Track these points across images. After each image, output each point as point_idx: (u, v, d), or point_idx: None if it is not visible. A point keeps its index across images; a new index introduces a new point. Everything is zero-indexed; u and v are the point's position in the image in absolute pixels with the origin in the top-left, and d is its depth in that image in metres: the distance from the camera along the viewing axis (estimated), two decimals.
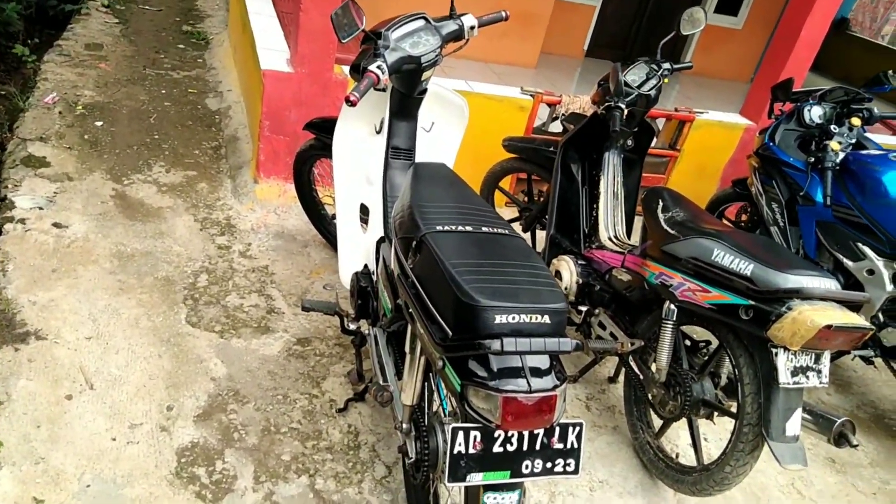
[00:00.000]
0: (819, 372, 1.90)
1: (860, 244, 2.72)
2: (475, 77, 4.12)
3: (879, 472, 2.67)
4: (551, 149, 2.87)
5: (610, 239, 2.69)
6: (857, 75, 7.17)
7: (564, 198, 2.76)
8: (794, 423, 1.90)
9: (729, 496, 2.33)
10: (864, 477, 2.62)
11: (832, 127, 2.91)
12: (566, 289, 2.60)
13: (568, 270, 2.61)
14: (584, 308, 2.60)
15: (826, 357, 1.91)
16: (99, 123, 3.88)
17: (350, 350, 2.56)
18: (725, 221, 3.68)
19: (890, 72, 3.13)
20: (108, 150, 3.63)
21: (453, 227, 1.62)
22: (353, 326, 2.27)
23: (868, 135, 3.08)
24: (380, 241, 2.17)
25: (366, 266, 2.30)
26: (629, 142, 2.76)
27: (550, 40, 6.19)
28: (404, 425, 1.74)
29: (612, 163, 2.74)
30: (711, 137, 4.14)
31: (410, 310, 1.59)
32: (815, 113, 3.02)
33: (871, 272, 2.68)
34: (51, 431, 2.02)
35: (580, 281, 2.59)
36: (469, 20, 2.18)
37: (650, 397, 2.27)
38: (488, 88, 3.74)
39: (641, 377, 2.31)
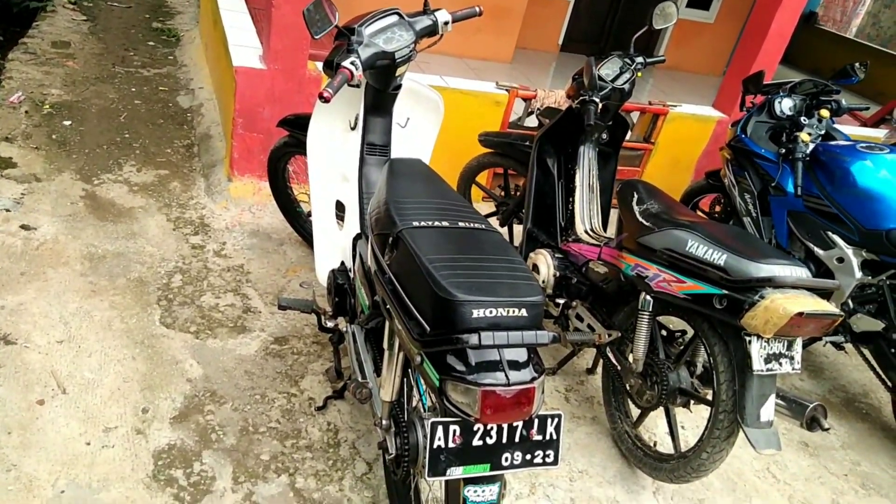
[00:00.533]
0: (791, 358, 1.93)
1: (830, 233, 2.78)
2: (450, 72, 4.12)
3: (850, 454, 2.73)
4: (527, 143, 2.88)
5: (586, 232, 2.71)
6: (826, 68, 7.31)
7: (541, 192, 2.78)
8: (768, 409, 1.93)
9: (706, 482, 2.37)
10: (836, 459, 2.68)
11: (802, 118, 2.96)
12: (544, 282, 2.61)
13: (545, 264, 2.63)
14: (561, 301, 2.61)
15: (798, 344, 1.94)
16: (67, 123, 3.80)
17: (328, 348, 2.55)
18: (699, 213, 3.73)
19: (857, 64, 3.19)
20: (77, 149, 3.57)
21: (430, 223, 1.62)
22: (330, 324, 2.26)
23: (836, 126, 3.14)
24: (356, 238, 2.16)
25: (342, 263, 2.29)
26: (604, 135, 2.78)
27: (525, 35, 6.21)
28: (384, 421, 1.74)
29: (587, 156, 2.76)
30: (685, 130, 4.18)
31: (388, 306, 1.59)
32: (785, 105, 3.07)
33: (840, 260, 2.74)
34: (23, 438, 1.98)
35: (557, 274, 2.60)
36: (443, 15, 2.17)
37: (628, 387, 2.30)
38: (464, 83, 3.74)
39: (619, 368, 2.33)
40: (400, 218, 1.63)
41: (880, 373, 2.75)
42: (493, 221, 3.17)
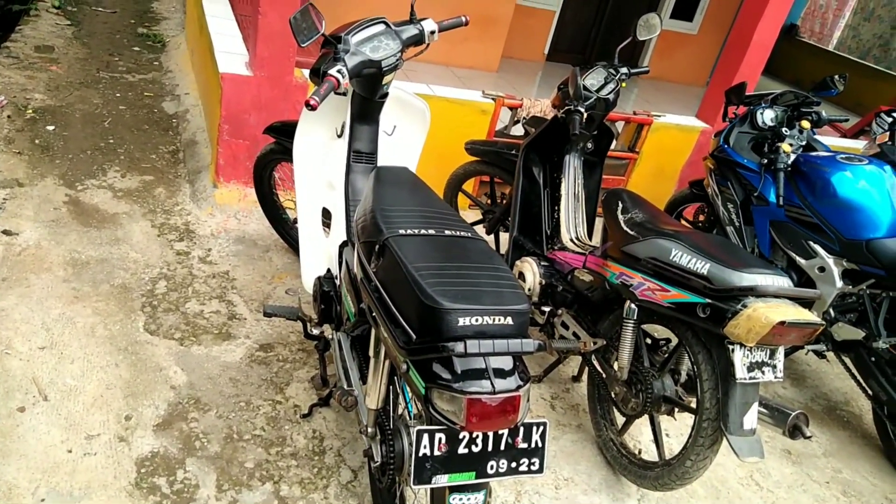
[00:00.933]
0: (774, 367, 1.96)
1: (811, 242, 2.82)
2: (437, 81, 4.14)
3: (832, 461, 2.76)
4: (513, 152, 2.90)
5: (572, 240, 2.73)
6: (806, 79, 7.43)
7: (527, 200, 2.79)
8: (751, 417, 1.95)
9: (690, 490, 2.38)
10: (818, 466, 2.71)
11: (783, 129, 3.00)
12: (529, 290, 2.62)
13: (531, 272, 2.64)
14: (547, 308, 2.63)
15: (780, 352, 1.97)
16: (50, 128, 3.77)
17: (313, 355, 2.54)
18: (683, 222, 3.77)
19: (836, 76, 3.25)
20: (61, 155, 3.53)
21: (416, 231, 1.63)
22: (316, 331, 2.25)
23: (817, 137, 3.19)
24: (342, 246, 2.16)
25: (328, 270, 2.28)
26: (589, 145, 2.81)
27: (511, 44, 6.26)
28: (369, 429, 1.74)
29: (572, 165, 2.78)
30: (669, 140, 4.23)
31: (374, 314, 1.59)
32: (767, 116, 3.11)
33: (822, 269, 2.78)
34: (2, 445, 1.95)
35: (543, 282, 2.62)
36: (429, 25, 2.18)
37: (613, 395, 2.31)
38: (450, 92, 3.75)
39: (604, 376, 2.35)
40: (386, 226, 1.63)
41: (861, 381, 2.79)
42: (480, 229, 3.19)
